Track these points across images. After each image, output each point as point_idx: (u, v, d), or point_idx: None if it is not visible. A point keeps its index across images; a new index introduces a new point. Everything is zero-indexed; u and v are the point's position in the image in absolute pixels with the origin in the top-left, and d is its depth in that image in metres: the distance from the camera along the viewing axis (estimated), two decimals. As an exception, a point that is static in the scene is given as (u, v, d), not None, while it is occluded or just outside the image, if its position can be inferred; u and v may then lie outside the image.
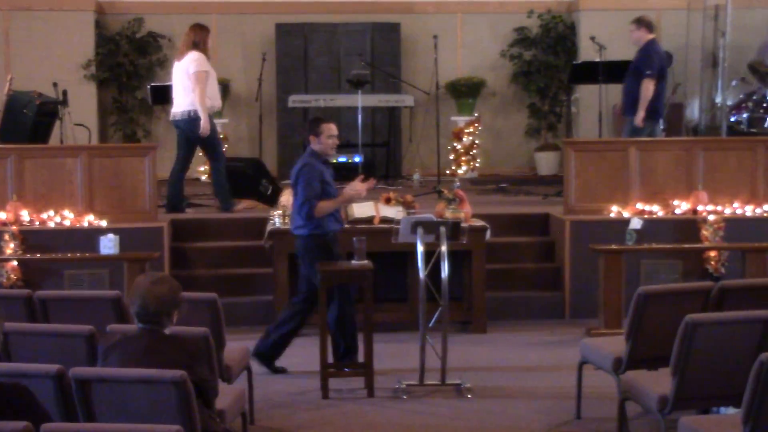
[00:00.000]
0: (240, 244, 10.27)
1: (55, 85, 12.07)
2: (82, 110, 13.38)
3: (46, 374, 4.74)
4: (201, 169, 13.74)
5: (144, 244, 9.50)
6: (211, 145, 10.82)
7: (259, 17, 14.43)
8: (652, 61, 10.83)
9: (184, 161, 10.88)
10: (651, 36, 11.02)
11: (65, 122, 11.84)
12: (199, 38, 10.65)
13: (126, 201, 10.03)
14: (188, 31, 10.79)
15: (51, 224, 9.74)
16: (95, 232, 9.42)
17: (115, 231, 9.29)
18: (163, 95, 12.19)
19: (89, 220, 9.82)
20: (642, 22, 11.07)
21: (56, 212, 9.81)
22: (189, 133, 10.65)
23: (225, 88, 13.82)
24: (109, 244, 9.04)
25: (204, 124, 10.50)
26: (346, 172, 13.26)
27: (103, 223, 9.76)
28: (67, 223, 9.78)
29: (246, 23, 14.47)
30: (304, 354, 8.58)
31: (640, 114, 10.72)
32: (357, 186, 7.88)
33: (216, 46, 14.35)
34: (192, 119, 10.56)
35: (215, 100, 10.79)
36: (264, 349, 8.02)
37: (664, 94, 11.30)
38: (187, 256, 10.19)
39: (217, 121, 13.76)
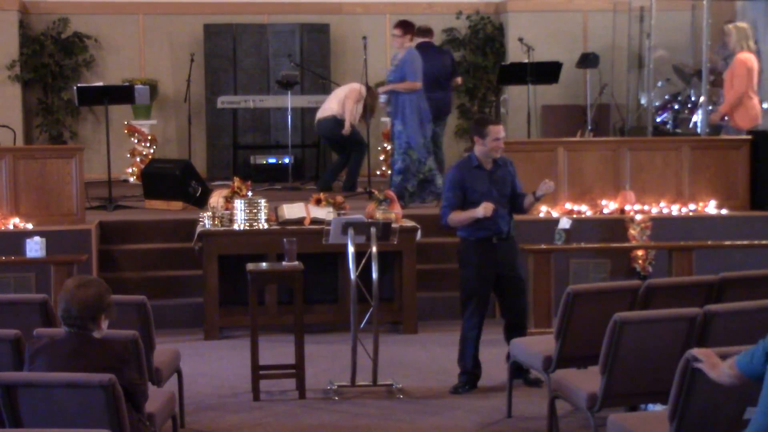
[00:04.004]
0: (169, 246, 10.19)
1: (-22, 86, 11.91)
2: (7, 111, 13.21)
3: (-30, 379, 4.67)
4: (129, 171, 13.61)
5: (71, 246, 9.39)
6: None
7: (187, 18, 14.33)
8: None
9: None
10: None
11: (-11, 124, 11.69)
12: None
13: (52, 203, 9.92)
14: None
15: (-25, 227, 9.59)
16: (21, 235, 9.28)
17: (41, 234, 9.16)
18: (90, 96, 12.05)
19: (15, 222, 9.68)
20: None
21: (-19, 215, 9.67)
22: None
23: (153, 89, 13.71)
24: (35, 247, 8.91)
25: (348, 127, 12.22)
26: (275, 174, 13.24)
27: (30, 226, 9.63)
28: (-8, 225, 9.64)
29: (174, 24, 14.36)
30: (234, 356, 8.54)
31: None
32: (489, 206, 7.57)
33: (143, 47, 14.26)
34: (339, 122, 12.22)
35: None
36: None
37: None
38: (116, 259, 10.09)
39: (145, 122, 13.73)
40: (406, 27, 11.20)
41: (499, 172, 7.70)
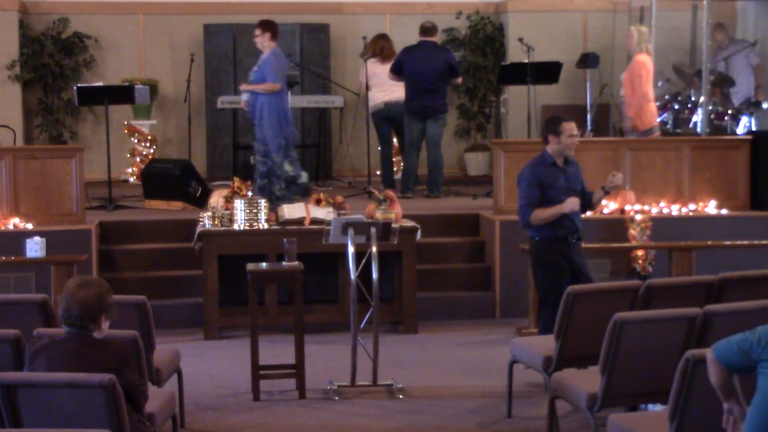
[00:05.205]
0: (169, 246, 10.19)
1: (-22, 86, 11.91)
2: (7, 111, 13.20)
3: (-29, 380, 4.67)
4: (129, 171, 13.61)
5: (71, 246, 9.38)
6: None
7: (187, 18, 14.32)
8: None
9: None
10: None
11: (-11, 124, 11.69)
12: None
13: (52, 203, 9.92)
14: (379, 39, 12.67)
15: (-25, 227, 9.59)
16: (21, 235, 9.29)
17: (41, 234, 9.17)
18: (90, 96, 12.05)
19: (15, 222, 9.68)
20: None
21: (-19, 215, 9.67)
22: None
23: (153, 89, 13.70)
24: (35, 247, 8.91)
25: None
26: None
27: (30, 226, 9.63)
28: (-9, 226, 9.64)
29: (173, 24, 14.35)
30: (235, 355, 8.54)
31: None
32: (575, 201, 7.59)
33: (143, 47, 14.26)
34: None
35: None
36: None
37: None
38: (115, 259, 10.09)
39: (145, 122, 13.72)
40: (265, 26, 10.93)
41: (571, 169, 7.73)
